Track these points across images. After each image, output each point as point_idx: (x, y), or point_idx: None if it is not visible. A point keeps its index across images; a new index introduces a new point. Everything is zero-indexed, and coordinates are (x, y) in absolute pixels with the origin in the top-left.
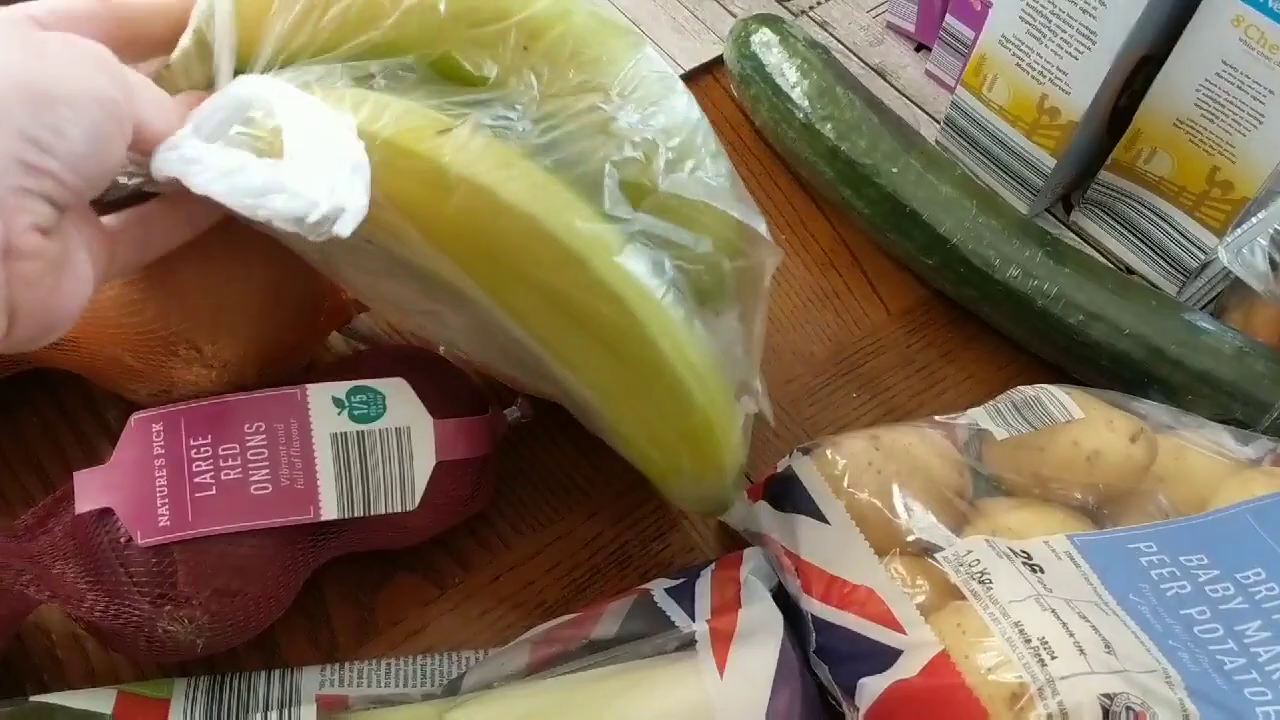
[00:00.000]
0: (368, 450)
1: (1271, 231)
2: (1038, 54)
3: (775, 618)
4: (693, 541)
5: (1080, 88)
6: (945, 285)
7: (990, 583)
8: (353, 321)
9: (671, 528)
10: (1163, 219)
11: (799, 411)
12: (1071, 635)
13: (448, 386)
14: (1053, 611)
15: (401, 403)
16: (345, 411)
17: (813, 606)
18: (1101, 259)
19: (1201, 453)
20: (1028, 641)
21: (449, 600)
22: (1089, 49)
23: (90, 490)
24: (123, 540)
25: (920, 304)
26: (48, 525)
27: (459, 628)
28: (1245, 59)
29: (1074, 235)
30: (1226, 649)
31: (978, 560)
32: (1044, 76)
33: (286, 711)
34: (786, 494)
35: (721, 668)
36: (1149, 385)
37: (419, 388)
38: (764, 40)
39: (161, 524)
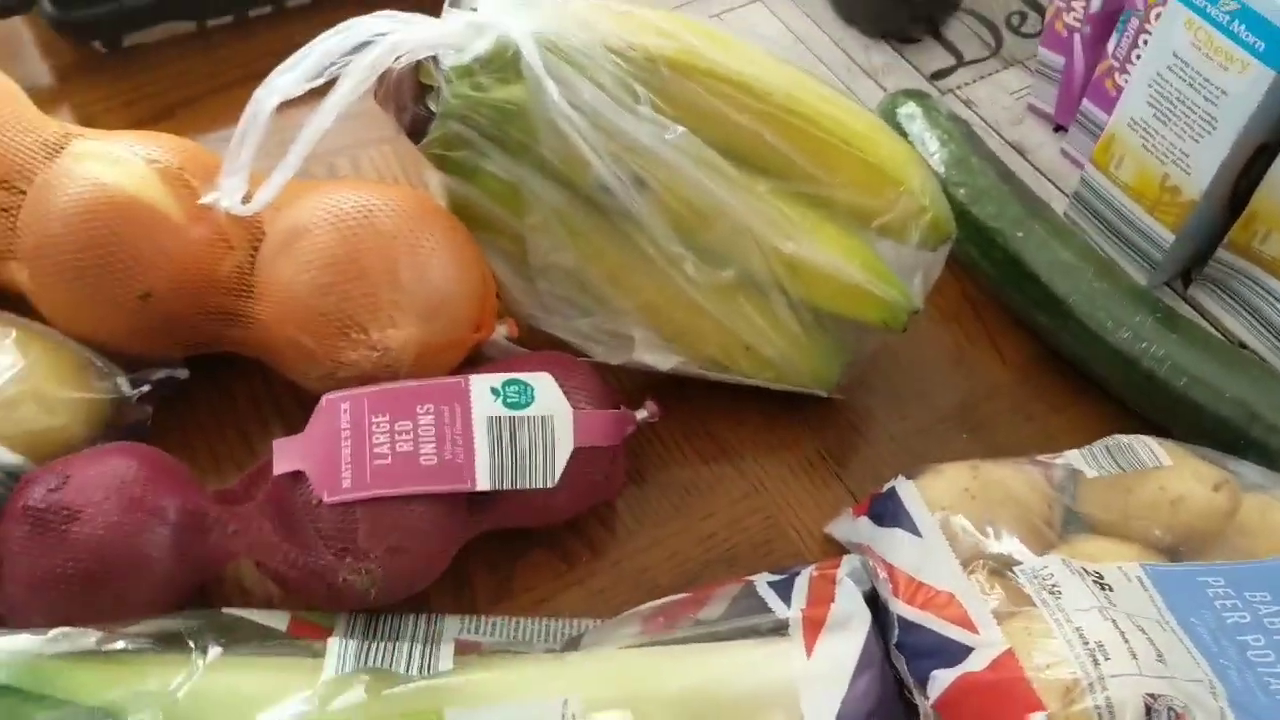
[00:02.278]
0: (517, 433)
1: None
2: (1162, 136)
3: (863, 613)
4: (798, 550)
5: (1200, 169)
6: (1060, 343)
7: (1059, 593)
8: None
9: (779, 536)
10: (1276, 298)
11: (910, 446)
12: (1127, 642)
13: (585, 384)
14: (1113, 622)
15: (547, 394)
16: (500, 399)
17: (898, 607)
18: (1214, 332)
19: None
20: (1085, 644)
21: (575, 576)
22: (1209, 134)
23: (287, 456)
24: (314, 501)
25: (1035, 360)
26: (252, 490)
27: (581, 600)
28: None
29: (1191, 309)
30: (1275, 673)
31: (1051, 574)
32: (1167, 157)
33: (429, 647)
34: (887, 511)
35: (810, 650)
36: (1247, 448)
37: (562, 383)
38: (909, 113)
39: (344, 485)
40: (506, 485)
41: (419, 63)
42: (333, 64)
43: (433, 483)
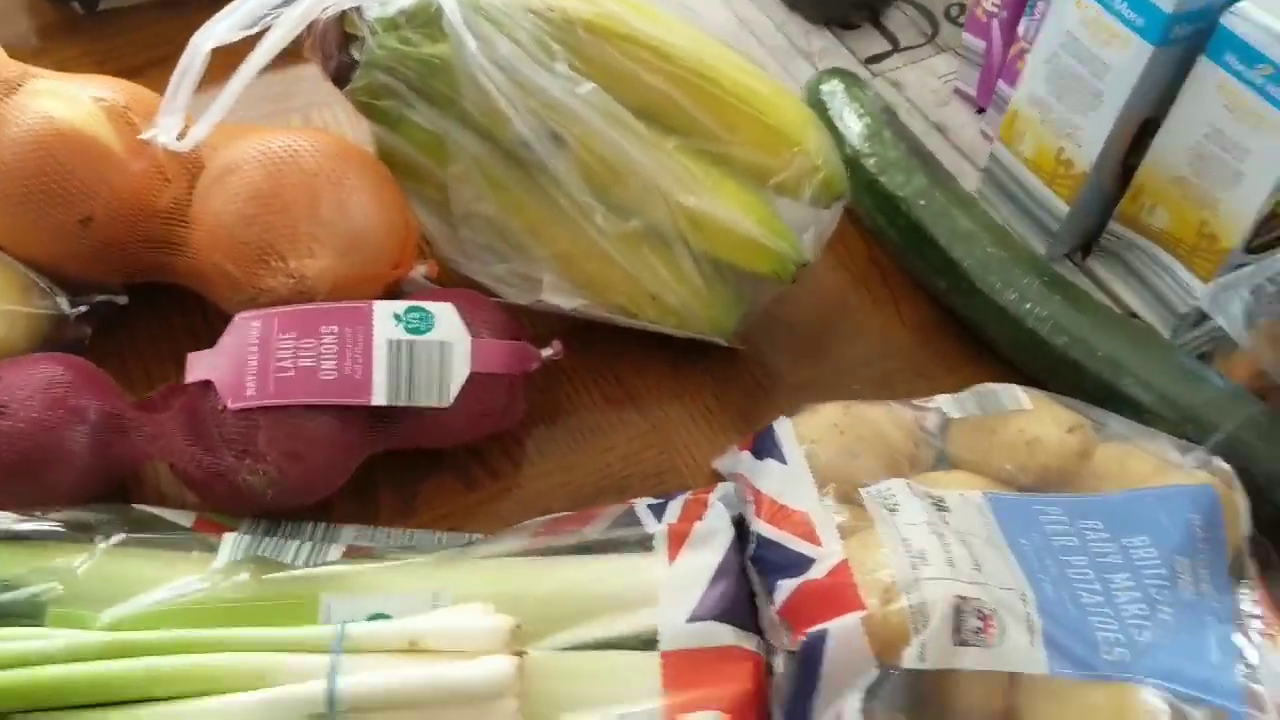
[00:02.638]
0: (416, 355)
1: (1253, 285)
2: (1057, 111)
3: (727, 530)
4: (686, 483)
5: (1089, 142)
6: (956, 306)
7: (896, 509)
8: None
9: (671, 470)
10: (1162, 268)
11: (806, 397)
12: (948, 552)
13: (489, 318)
14: (939, 536)
15: (447, 322)
16: (401, 324)
17: (758, 526)
18: (1104, 299)
19: (1144, 458)
20: (909, 552)
21: (475, 499)
22: (1097, 108)
23: (198, 366)
24: (220, 408)
25: (935, 323)
26: (170, 400)
27: (479, 522)
28: (1229, 123)
29: (1090, 281)
30: (1091, 589)
31: (893, 494)
32: (1061, 132)
33: (321, 546)
34: (764, 446)
35: (672, 559)
36: (1120, 403)
37: (464, 314)
38: (830, 89)
39: (248, 393)
40: (401, 402)
41: (344, 13)
42: (266, 14)
43: (331, 395)
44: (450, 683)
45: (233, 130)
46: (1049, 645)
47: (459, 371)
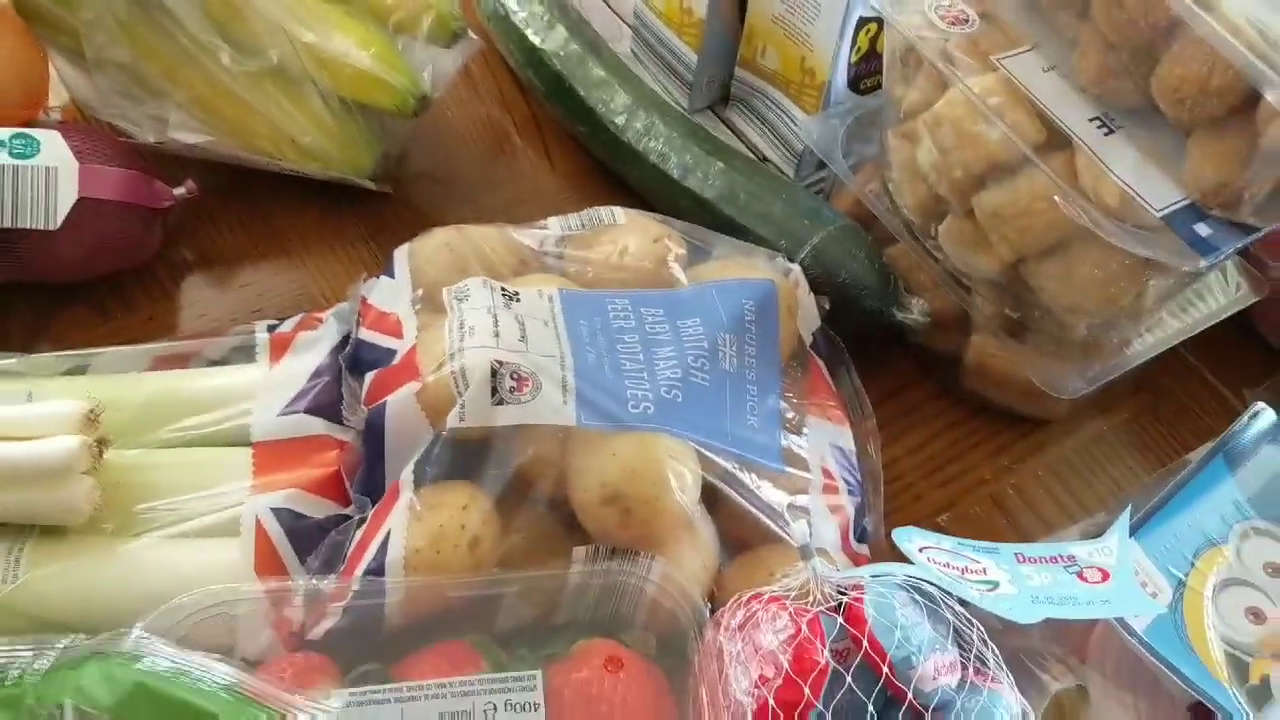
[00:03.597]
0: (20, 178)
1: (848, 120)
2: None
3: (331, 338)
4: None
5: None
6: (595, 149)
7: (466, 298)
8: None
9: (308, 300)
10: (779, 108)
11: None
12: (496, 327)
13: (102, 150)
14: (494, 316)
15: (53, 149)
16: (5, 150)
17: (359, 332)
18: (742, 146)
19: (735, 268)
20: (461, 329)
21: (109, 328)
22: None
23: None
24: None
25: (582, 170)
26: None
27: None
28: None
29: (728, 130)
30: (633, 358)
31: (466, 288)
32: None
33: None
34: (387, 268)
35: (273, 363)
36: (731, 228)
37: (73, 144)
38: None
39: None
40: (6, 224)
41: None
42: None
43: None
44: (18, 458)
45: None
46: (580, 402)
47: (65, 196)
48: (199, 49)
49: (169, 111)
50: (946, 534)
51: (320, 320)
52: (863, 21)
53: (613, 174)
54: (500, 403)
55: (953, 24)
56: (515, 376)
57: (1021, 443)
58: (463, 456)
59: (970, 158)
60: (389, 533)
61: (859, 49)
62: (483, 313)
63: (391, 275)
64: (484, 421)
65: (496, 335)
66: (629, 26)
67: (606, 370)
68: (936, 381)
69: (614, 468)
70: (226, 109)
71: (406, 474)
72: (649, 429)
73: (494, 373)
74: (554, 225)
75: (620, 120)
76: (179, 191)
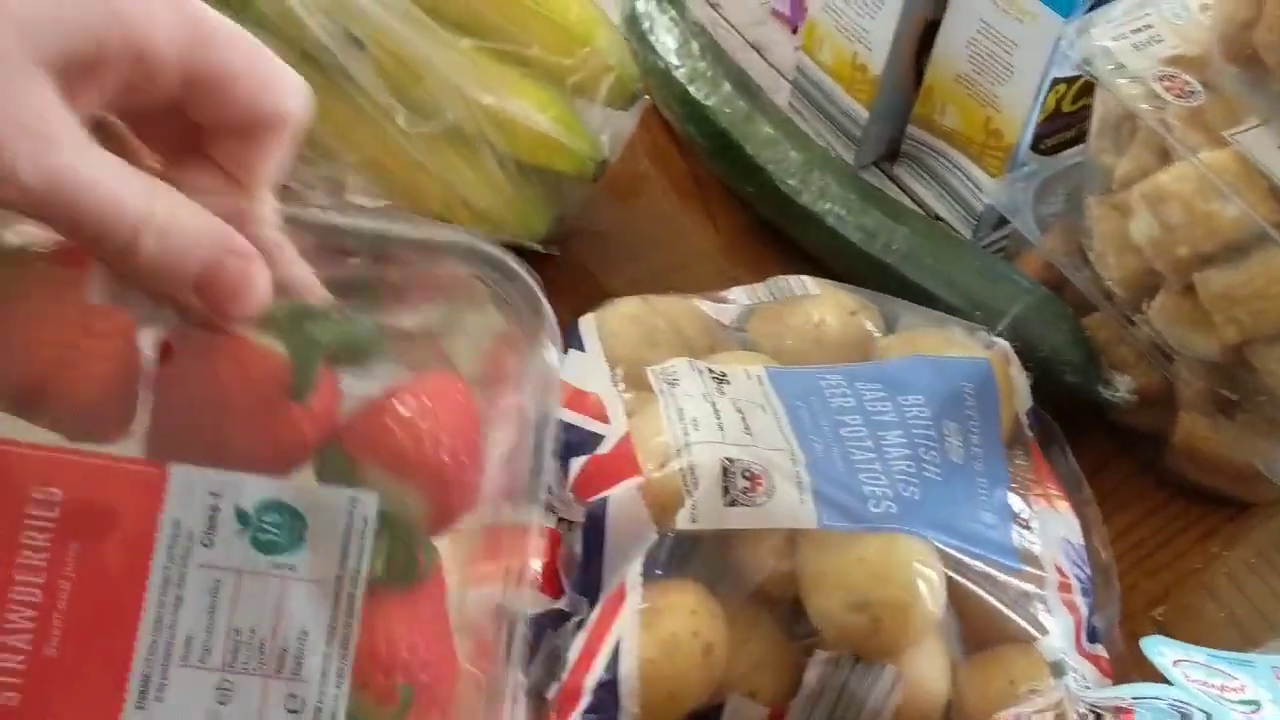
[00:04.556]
0: None
1: (1039, 183)
2: (847, 15)
3: None
4: None
5: (878, 45)
6: (762, 209)
7: (676, 383)
8: None
9: None
10: (957, 168)
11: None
12: (718, 419)
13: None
14: (713, 405)
15: None
16: None
17: (561, 413)
18: (912, 204)
19: (931, 340)
20: (682, 420)
21: None
22: (880, 8)
23: None
24: None
25: (745, 229)
26: None
27: None
28: (997, 18)
29: (896, 187)
30: (861, 446)
31: (674, 371)
32: (853, 36)
33: None
34: (570, 339)
35: None
36: (919, 298)
37: None
38: (646, 6)
39: None
40: None
41: None
42: None
43: None
44: None
45: None
46: (819, 501)
47: None
48: (374, 110)
49: (342, 173)
50: (1165, 631)
51: None
52: (1055, 82)
53: (780, 234)
54: (733, 503)
55: (1178, 96)
56: (747, 475)
57: (1228, 526)
58: (681, 555)
59: (1199, 235)
60: (619, 642)
61: (1045, 109)
62: (698, 400)
63: (581, 348)
64: (716, 524)
65: (720, 428)
66: (787, 80)
67: (838, 462)
68: (1135, 459)
69: (860, 573)
70: (399, 171)
71: (634, 576)
72: (891, 530)
73: (725, 471)
74: (740, 295)
75: (793, 181)
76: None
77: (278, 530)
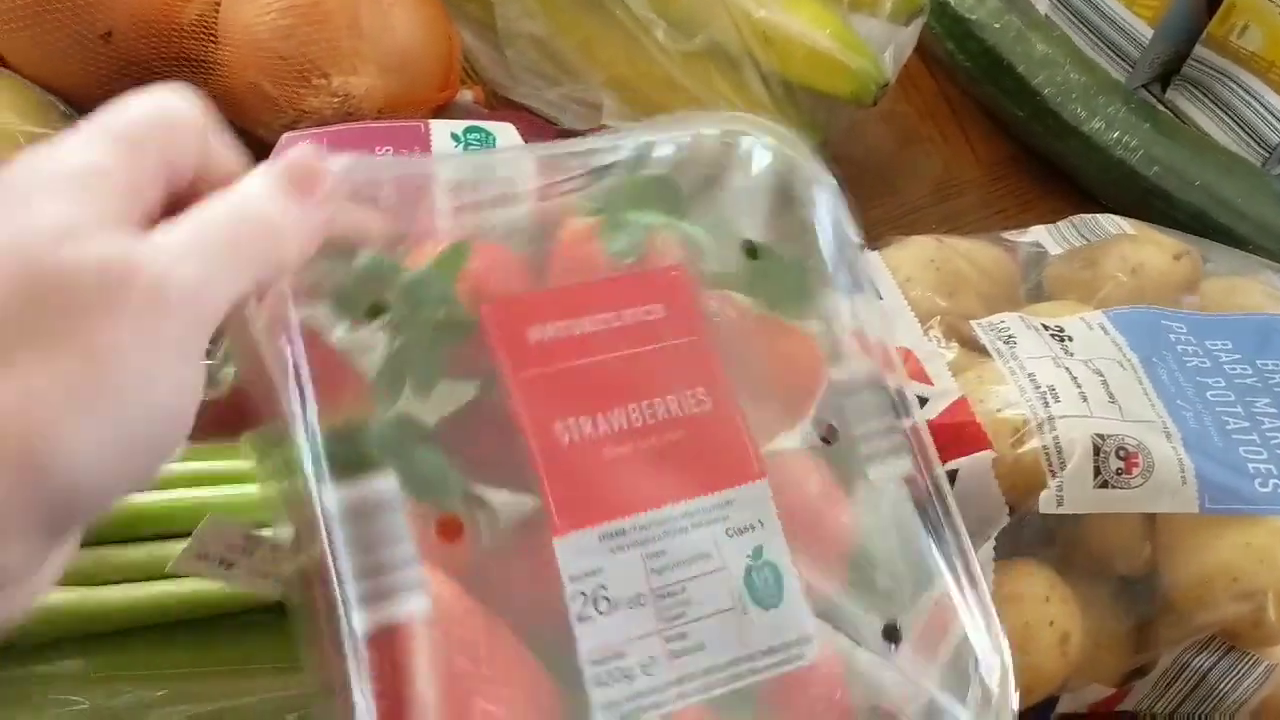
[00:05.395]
0: None
1: None
2: None
3: None
4: None
5: None
6: (1033, 137)
7: (1014, 342)
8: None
9: None
10: (1252, 95)
11: (879, 234)
12: (1079, 386)
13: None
14: (1067, 369)
15: (508, 142)
16: (461, 145)
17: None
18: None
19: (1251, 289)
20: (1037, 388)
21: None
22: None
23: None
24: None
25: (1008, 158)
26: None
27: None
28: None
29: (1168, 113)
30: (1234, 413)
31: (1007, 327)
32: None
33: None
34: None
35: None
36: (1216, 237)
37: (525, 137)
38: None
39: None
40: None
41: None
42: None
43: None
44: None
45: None
46: (1202, 483)
47: None
48: (632, 24)
49: (590, 94)
50: None
51: None
52: None
53: (1050, 164)
54: (1104, 485)
55: None
56: (1121, 454)
57: None
58: (1030, 535)
59: None
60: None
61: None
62: (1049, 364)
63: (873, 294)
64: (1085, 508)
65: (1084, 399)
66: None
67: (1213, 434)
68: None
69: (1247, 560)
70: (650, 91)
71: (985, 558)
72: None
73: (1096, 450)
74: (1039, 236)
75: (1075, 108)
76: None
77: None
